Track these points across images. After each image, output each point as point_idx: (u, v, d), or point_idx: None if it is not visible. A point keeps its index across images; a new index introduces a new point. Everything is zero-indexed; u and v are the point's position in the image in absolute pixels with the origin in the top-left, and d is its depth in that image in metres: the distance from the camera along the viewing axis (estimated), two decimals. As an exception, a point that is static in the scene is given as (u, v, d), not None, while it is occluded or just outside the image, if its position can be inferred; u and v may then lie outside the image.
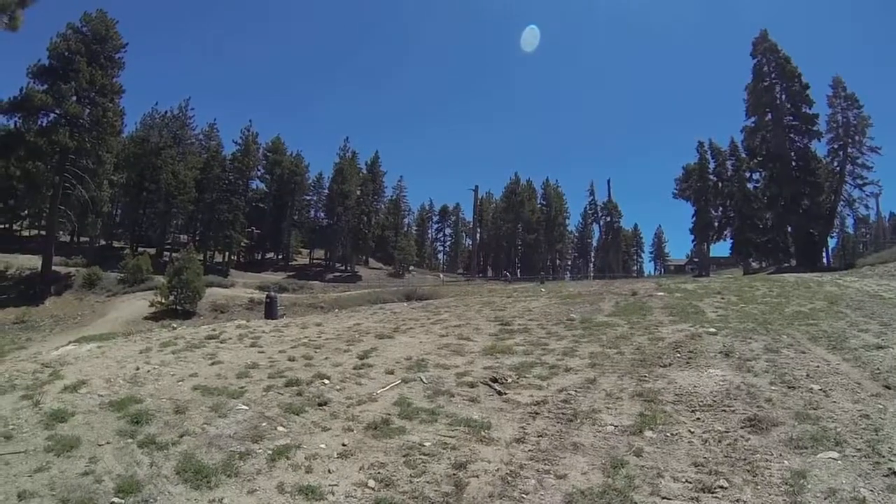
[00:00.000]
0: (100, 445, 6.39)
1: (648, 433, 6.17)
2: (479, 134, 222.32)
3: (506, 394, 7.81)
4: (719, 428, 6.21)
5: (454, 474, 5.40)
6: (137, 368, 9.71)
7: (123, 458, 6.05)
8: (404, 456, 5.87)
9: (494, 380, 8.38)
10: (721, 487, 4.87)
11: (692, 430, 6.22)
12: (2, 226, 65.72)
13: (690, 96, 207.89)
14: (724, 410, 6.74)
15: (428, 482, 5.28)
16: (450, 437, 6.36)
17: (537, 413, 7.06)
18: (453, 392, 8.01)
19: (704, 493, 4.82)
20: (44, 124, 43.53)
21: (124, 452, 6.22)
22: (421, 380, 8.66)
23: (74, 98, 43.76)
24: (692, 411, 6.83)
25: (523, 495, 4.98)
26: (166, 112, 74.03)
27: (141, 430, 6.80)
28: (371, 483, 5.35)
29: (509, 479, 5.27)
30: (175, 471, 5.72)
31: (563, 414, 6.94)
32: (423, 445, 6.08)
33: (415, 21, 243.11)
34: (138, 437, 6.62)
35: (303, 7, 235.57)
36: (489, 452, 5.88)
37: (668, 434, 6.12)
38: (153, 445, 6.37)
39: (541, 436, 6.31)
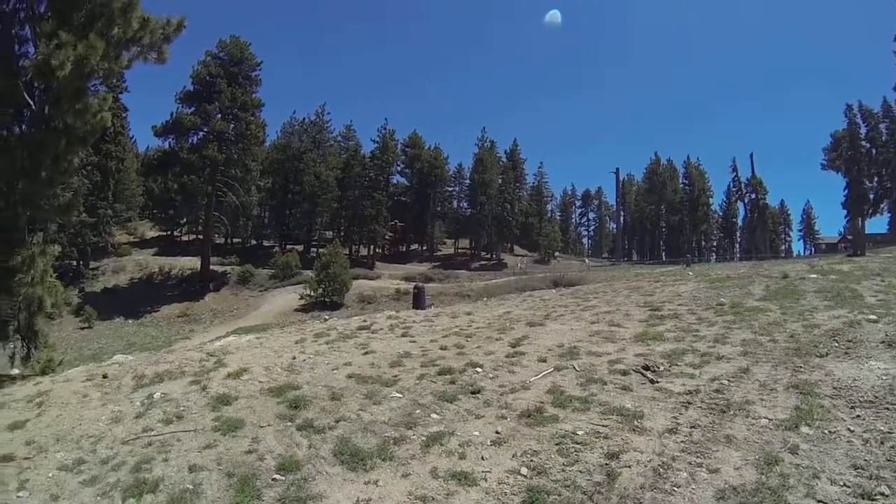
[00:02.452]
0: (261, 427, 6.99)
1: (804, 429, 5.77)
2: (617, 111, 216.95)
3: (658, 382, 7.65)
4: (881, 427, 5.66)
5: (606, 464, 5.39)
6: (294, 357, 10.46)
7: (283, 440, 6.57)
8: (557, 444, 5.89)
9: (646, 367, 8.26)
10: (882, 494, 4.51)
11: (851, 428, 5.75)
12: (164, 233, 76.39)
13: (835, 54, 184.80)
14: (888, 408, 6.12)
15: (580, 471, 5.30)
16: (602, 425, 6.29)
17: (689, 403, 6.83)
18: (605, 380, 7.91)
19: (863, 499, 4.49)
20: (194, 142, 51.26)
21: (284, 434, 6.74)
22: (573, 367, 8.58)
23: (219, 116, 50.60)
24: (851, 407, 6.27)
25: (675, 488, 4.89)
26: (304, 119, 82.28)
27: (299, 415, 7.33)
28: (523, 470, 5.42)
29: (661, 470, 5.21)
30: (332, 453, 6.12)
31: (715, 404, 6.69)
32: (576, 434, 6.09)
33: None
34: (297, 420, 7.14)
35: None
36: (641, 442, 5.81)
37: (826, 431, 5.71)
38: (311, 429, 6.83)
39: (693, 427, 6.09)
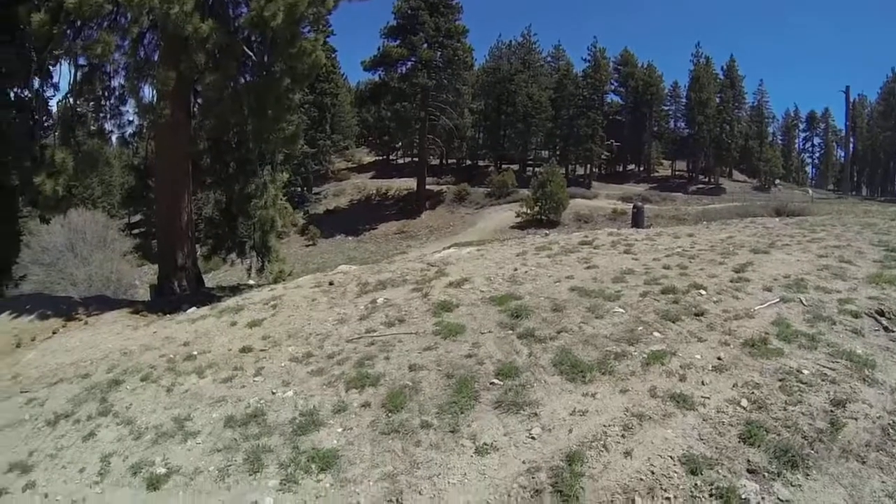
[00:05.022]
0: (482, 334, 7.13)
1: None
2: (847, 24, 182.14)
3: (893, 331, 6.65)
4: None
5: (831, 411, 5.03)
6: (515, 269, 10.41)
7: (503, 347, 6.65)
8: (780, 380, 5.58)
9: (881, 313, 7.15)
10: None
11: None
12: (380, 157, 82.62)
13: None
14: None
15: (802, 413, 5.02)
16: (829, 368, 5.77)
17: (930, 362, 5.81)
18: (834, 319, 6.98)
19: None
20: (403, 71, 54.24)
21: (504, 342, 6.81)
22: (800, 301, 7.71)
23: (425, 45, 52.78)
24: None
25: (904, 454, 4.41)
26: (511, 41, 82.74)
27: (520, 324, 7.34)
28: (743, 402, 5.26)
29: (891, 431, 4.74)
30: (551, 363, 6.11)
31: (962, 368, 5.75)
32: (801, 373, 5.71)
33: None
34: (517, 329, 7.16)
35: None
36: (871, 395, 5.28)
37: None
38: (531, 338, 6.82)
39: (932, 389, 5.34)
